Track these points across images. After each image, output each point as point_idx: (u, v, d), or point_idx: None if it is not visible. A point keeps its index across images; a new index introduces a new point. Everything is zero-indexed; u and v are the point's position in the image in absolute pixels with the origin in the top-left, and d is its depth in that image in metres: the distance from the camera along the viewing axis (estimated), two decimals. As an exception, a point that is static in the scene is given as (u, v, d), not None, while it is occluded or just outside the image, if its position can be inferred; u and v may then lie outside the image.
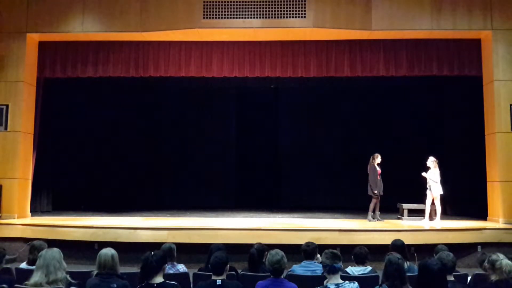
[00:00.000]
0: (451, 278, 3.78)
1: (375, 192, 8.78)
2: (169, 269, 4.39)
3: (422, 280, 3.11)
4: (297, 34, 8.92)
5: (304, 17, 8.60)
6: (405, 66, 9.08)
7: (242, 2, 8.67)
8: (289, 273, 4.36)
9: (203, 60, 9.29)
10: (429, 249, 6.22)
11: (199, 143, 13.08)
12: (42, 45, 9.33)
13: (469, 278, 4.36)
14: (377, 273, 4.23)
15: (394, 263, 3.19)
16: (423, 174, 8.73)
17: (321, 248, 4.31)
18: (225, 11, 8.67)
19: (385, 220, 8.93)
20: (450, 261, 3.84)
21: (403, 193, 10.02)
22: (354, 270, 4.41)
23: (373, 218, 8.87)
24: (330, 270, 3.52)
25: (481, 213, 8.96)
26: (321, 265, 3.90)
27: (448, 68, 9.03)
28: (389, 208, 9.81)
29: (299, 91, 12.37)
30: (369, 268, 4.45)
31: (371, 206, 8.89)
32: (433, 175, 8.58)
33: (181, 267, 4.67)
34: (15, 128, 8.81)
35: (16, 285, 3.55)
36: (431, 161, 8.65)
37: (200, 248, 6.86)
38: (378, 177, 8.86)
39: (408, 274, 3.51)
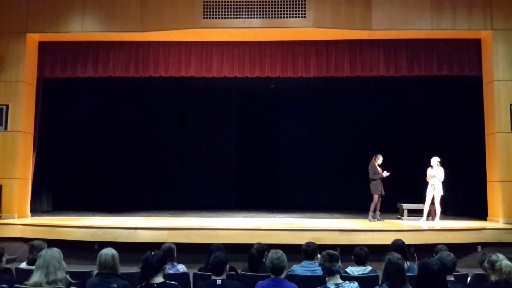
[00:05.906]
0: (451, 278, 3.78)
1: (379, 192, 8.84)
2: (169, 269, 4.39)
3: (422, 280, 3.11)
4: (297, 34, 8.91)
5: (304, 17, 8.60)
6: (405, 66, 9.08)
7: (242, 2, 8.67)
8: (289, 273, 4.35)
9: (203, 60, 9.29)
10: (429, 249, 6.21)
11: (199, 143, 13.09)
12: (42, 45, 9.34)
13: (469, 278, 4.36)
14: (377, 273, 4.23)
15: (394, 263, 3.19)
16: (430, 171, 8.64)
17: (322, 248, 4.31)
18: (225, 11, 8.68)
19: (385, 220, 8.93)
20: (450, 261, 3.84)
21: (403, 193, 10.02)
22: (354, 270, 4.41)
23: (373, 218, 8.87)
24: (329, 273, 3.52)
25: (481, 213, 8.96)
26: (321, 265, 3.90)
27: (448, 68, 9.02)
28: (389, 208, 9.82)
29: (299, 91, 12.37)
30: (369, 268, 4.45)
31: (372, 206, 8.90)
32: (439, 174, 8.56)
33: (181, 267, 4.67)
34: (15, 128, 8.81)
35: (16, 285, 3.55)
36: (437, 161, 8.60)
37: (200, 248, 6.85)
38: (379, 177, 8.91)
39: (408, 274, 3.50)
